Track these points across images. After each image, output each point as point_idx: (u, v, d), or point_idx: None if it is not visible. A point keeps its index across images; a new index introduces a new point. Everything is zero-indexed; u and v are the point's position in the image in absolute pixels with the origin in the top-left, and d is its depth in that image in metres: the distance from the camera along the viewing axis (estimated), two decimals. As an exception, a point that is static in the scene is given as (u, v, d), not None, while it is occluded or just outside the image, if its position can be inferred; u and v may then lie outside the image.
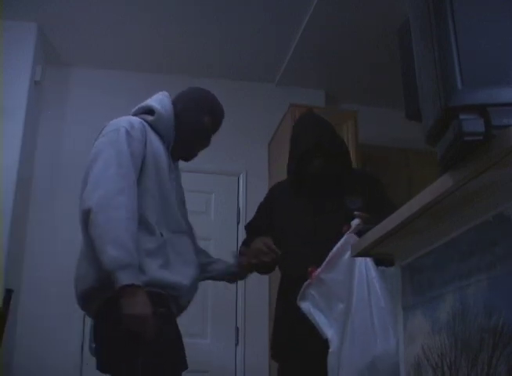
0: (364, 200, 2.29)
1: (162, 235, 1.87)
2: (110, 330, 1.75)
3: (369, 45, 4.10)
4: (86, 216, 1.75)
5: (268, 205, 2.51)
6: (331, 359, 1.96)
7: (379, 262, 2.06)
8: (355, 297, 1.92)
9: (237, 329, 4.20)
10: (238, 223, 4.38)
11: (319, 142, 2.31)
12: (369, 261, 1.94)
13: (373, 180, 2.45)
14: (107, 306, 1.77)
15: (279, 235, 2.32)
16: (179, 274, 1.87)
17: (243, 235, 2.87)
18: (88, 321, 3.86)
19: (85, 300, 1.88)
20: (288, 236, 2.35)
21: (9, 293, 2.89)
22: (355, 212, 2.10)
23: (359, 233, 1.80)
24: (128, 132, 1.89)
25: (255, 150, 4.52)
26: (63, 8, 3.78)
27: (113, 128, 1.92)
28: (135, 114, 2.08)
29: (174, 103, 2.11)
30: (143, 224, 1.81)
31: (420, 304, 1.46)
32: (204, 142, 2.17)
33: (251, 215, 2.64)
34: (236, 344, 4.15)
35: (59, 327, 3.79)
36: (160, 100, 2.10)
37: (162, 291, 1.81)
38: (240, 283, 4.05)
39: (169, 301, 1.86)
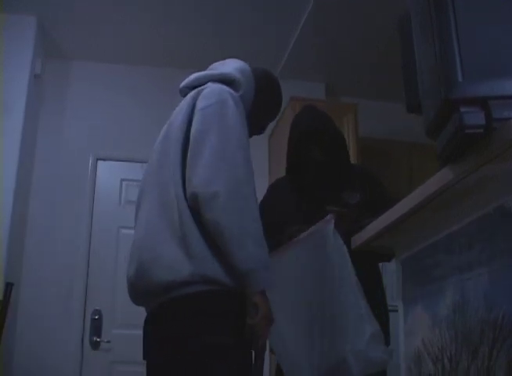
0: (362, 196, 2.29)
1: None
2: (197, 327, 1.46)
3: (369, 38, 4.07)
4: (209, 198, 1.46)
5: (269, 202, 2.50)
6: (288, 356, 1.91)
7: (379, 256, 2.06)
8: (320, 289, 1.86)
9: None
10: (239, 217, 4.35)
11: (317, 131, 2.31)
12: (345, 253, 1.86)
13: (373, 178, 2.44)
14: (191, 303, 1.48)
15: (280, 231, 2.31)
16: None
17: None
18: (88, 320, 3.86)
19: (162, 292, 1.51)
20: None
21: (9, 286, 2.89)
22: (327, 207, 2.10)
23: (360, 227, 1.79)
24: (236, 106, 1.62)
25: (255, 143, 4.44)
26: (63, 1, 3.76)
27: (218, 99, 1.61)
28: (202, 82, 1.74)
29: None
30: None
31: (420, 297, 1.46)
32: (261, 132, 2.06)
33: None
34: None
35: (59, 327, 3.76)
36: (243, 72, 1.81)
37: None
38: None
39: None
